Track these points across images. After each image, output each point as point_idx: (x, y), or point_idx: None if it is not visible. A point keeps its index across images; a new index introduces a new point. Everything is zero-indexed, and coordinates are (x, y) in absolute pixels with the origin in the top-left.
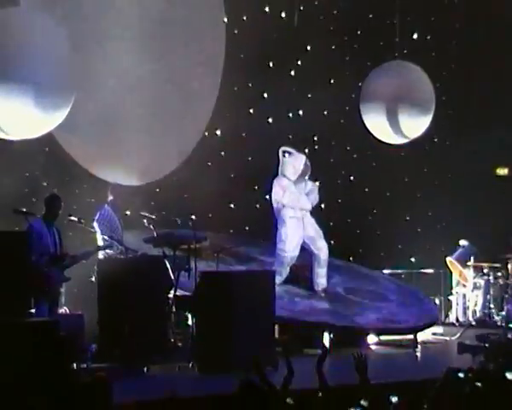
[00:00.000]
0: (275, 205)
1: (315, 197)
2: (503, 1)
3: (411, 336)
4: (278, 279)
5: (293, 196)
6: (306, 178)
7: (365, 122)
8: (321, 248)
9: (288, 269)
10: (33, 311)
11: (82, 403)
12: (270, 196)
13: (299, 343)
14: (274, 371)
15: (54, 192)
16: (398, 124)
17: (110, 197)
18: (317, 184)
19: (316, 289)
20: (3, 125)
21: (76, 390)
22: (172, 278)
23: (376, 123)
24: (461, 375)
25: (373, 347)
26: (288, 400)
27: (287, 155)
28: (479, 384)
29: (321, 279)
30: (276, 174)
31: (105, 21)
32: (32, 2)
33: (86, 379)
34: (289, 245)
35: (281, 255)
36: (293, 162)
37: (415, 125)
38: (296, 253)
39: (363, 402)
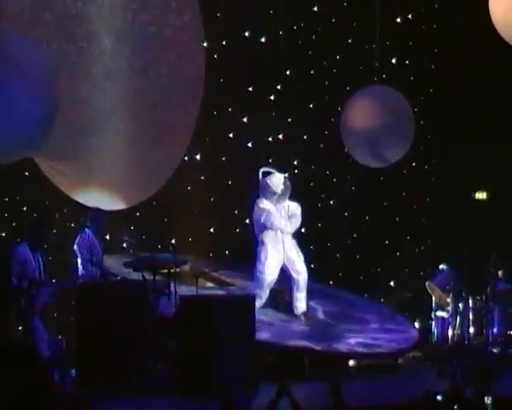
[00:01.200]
0: (255, 227)
1: (297, 220)
2: (482, 25)
3: (391, 361)
4: (258, 303)
5: (274, 217)
6: (286, 199)
7: (346, 146)
8: (300, 273)
9: (268, 292)
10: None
11: None
12: (251, 218)
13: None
14: (254, 394)
15: (37, 217)
16: (379, 148)
17: (90, 221)
18: (299, 206)
19: (295, 313)
20: None
21: None
22: (152, 302)
23: (356, 148)
24: (439, 398)
25: (352, 371)
26: None
27: (267, 175)
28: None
29: (300, 303)
30: (257, 197)
31: (85, 42)
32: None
33: (66, 405)
34: (269, 268)
35: (260, 278)
36: (273, 183)
37: (395, 149)
38: (275, 276)
39: None
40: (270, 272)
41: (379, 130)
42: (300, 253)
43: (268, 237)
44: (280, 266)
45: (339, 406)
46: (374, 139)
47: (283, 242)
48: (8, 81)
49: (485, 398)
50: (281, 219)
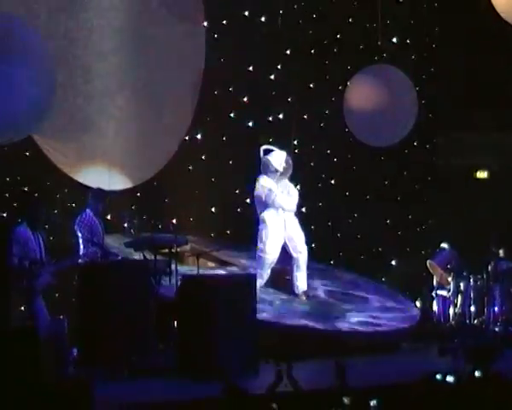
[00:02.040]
0: (256, 205)
1: (296, 199)
2: (483, 4)
3: (392, 340)
4: (259, 282)
5: (276, 195)
6: (287, 177)
7: (348, 125)
8: (300, 252)
9: (269, 272)
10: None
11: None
12: (252, 197)
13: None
14: (254, 376)
15: (37, 197)
16: (381, 128)
17: (90, 201)
18: (297, 188)
19: (296, 293)
20: None
21: (57, 396)
22: (153, 282)
23: (359, 126)
24: (439, 377)
25: (353, 350)
26: (274, 405)
27: (268, 153)
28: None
29: (301, 283)
30: (259, 174)
31: (85, 27)
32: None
33: (67, 384)
34: (270, 246)
35: (262, 257)
36: (275, 160)
37: (397, 129)
38: (277, 254)
39: (345, 400)
40: (271, 251)
41: (381, 109)
42: (301, 232)
43: (269, 216)
44: (281, 245)
45: (342, 387)
46: (376, 118)
47: (284, 220)
48: (6, 62)
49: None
50: (282, 197)
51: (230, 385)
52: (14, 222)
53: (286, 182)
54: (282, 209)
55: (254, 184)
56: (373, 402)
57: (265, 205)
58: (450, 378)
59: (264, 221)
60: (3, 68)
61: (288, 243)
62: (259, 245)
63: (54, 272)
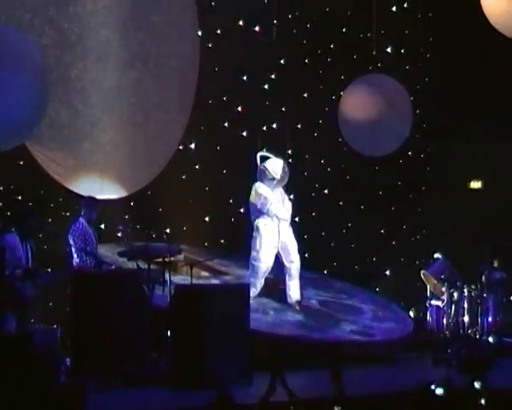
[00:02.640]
0: (251, 212)
1: (289, 209)
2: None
3: (386, 349)
4: (253, 292)
5: (271, 203)
6: (282, 187)
7: (342, 135)
8: (292, 261)
9: (263, 281)
10: None
11: None
12: (247, 207)
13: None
14: (248, 384)
15: (29, 206)
16: (375, 137)
17: (84, 211)
18: (291, 198)
19: (289, 302)
20: None
21: (50, 405)
22: (147, 291)
23: (353, 136)
24: (433, 387)
25: (347, 360)
26: None
27: (265, 160)
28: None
29: (293, 292)
30: (254, 181)
31: (81, 33)
32: None
33: (60, 393)
34: (264, 255)
35: (255, 265)
36: (272, 168)
37: (392, 139)
38: (271, 263)
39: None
40: (265, 260)
41: (376, 119)
42: (295, 241)
43: (263, 224)
44: (275, 254)
45: (339, 391)
46: (371, 129)
47: (279, 228)
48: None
49: (476, 383)
50: (277, 205)
51: (221, 394)
52: (5, 230)
53: (281, 191)
54: (277, 218)
55: (250, 190)
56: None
57: (260, 212)
58: (439, 391)
59: (257, 229)
60: None
61: (280, 251)
62: (253, 253)
63: (43, 283)
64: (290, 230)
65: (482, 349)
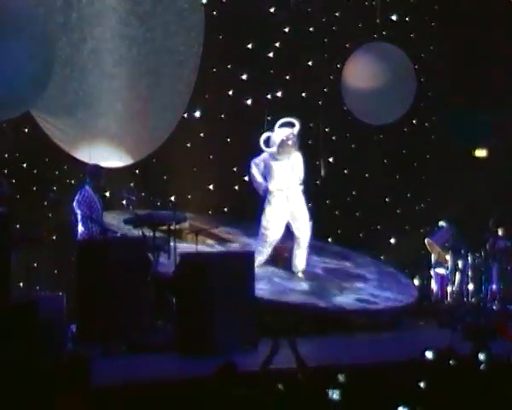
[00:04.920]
0: (262, 182)
1: (300, 169)
2: None
3: (390, 317)
4: (259, 260)
5: (279, 172)
6: (292, 153)
7: (346, 104)
8: (302, 230)
9: (270, 250)
10: None
11: (61, 385)
12: (250, 177)
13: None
14: (254, 351)
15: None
16: (380, 106)
17: (89, 178)
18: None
19: (293, 271)
20: None
21: (55, 371)
22: (152, 258)
23: (357, 104)
24: (435, 355)
25: (351, 328)
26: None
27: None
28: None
29: (299, 261)
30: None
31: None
32: None
33: (65, 360)
34: (274, 224)
35: (264, 234)
36: (277, 136)
37: (396, 107)
38: (280, 233)
39: (339, 377)
40: (274, 229)
41: (380, 87)
42: (306, 210)
43: (273, 193)
44: (285, 223)
45: (299, 361)
46: (374, 97)
47: (287, 196)
48: (4, 36)
49: (480, 355)
50: (286, 173)
51: (225, 362)
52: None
53: (291, 157)
54: (286, 186)
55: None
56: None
57: (269, 180)
58: (429, 354)
59: (267, 199)
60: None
61: (290, 220)
62: (263, 222)
63: None
64: (301, 198)
65: (486, 317)
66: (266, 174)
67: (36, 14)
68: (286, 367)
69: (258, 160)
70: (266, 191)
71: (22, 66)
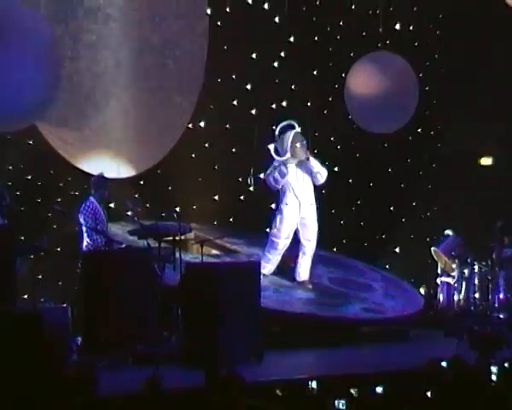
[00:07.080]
0: (274, 189)
1: (318, 170)
2: None
3: (396, 327)
4: (269, 268)
5: (292, 179)
6: (304, 163)
7: (350, 113)
8: (309, 240)
9: (279, 258)
10: None
11: (67, 396)
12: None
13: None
14: (258, 363)
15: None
16: (383, 115)
17: (94, 189)
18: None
19: (297, 280)
20: None
21: (61, 384)
22: (157, 269)
23: (361, 114)
24: (444, 364)
25: (357, 338)
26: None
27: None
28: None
29: (303, 270)
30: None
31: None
32: None
33: (71, 373)
34: (284, 232)
35: (274, 241)
36: (286, 141)
37: (399, 116)
38: (289, 240)
39: (352, 391)
40: (283, 238)
41: (383, 96)
42: (315, 221)
43: (284, 201)
44: (294, 231)
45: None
46: (378, 105)
47: (300, 204)
48: (11, 48)
49: (492, 368)
50: (298, 182)
51: (230, 373)
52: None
53: (302, 168)
54: (296, 196)
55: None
56: (379, 389)
57: (282, 191)
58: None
59: (279, 206)
60: (7, 54)
61: (299, 227)
62: (274, 229)
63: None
64: (313, 209)
65: (493, 326)
66: (279, 181)
67: (42, 26)
68: (290, 378)
69: (270, 170)
70: (280, 196)
71: (29, 80)
